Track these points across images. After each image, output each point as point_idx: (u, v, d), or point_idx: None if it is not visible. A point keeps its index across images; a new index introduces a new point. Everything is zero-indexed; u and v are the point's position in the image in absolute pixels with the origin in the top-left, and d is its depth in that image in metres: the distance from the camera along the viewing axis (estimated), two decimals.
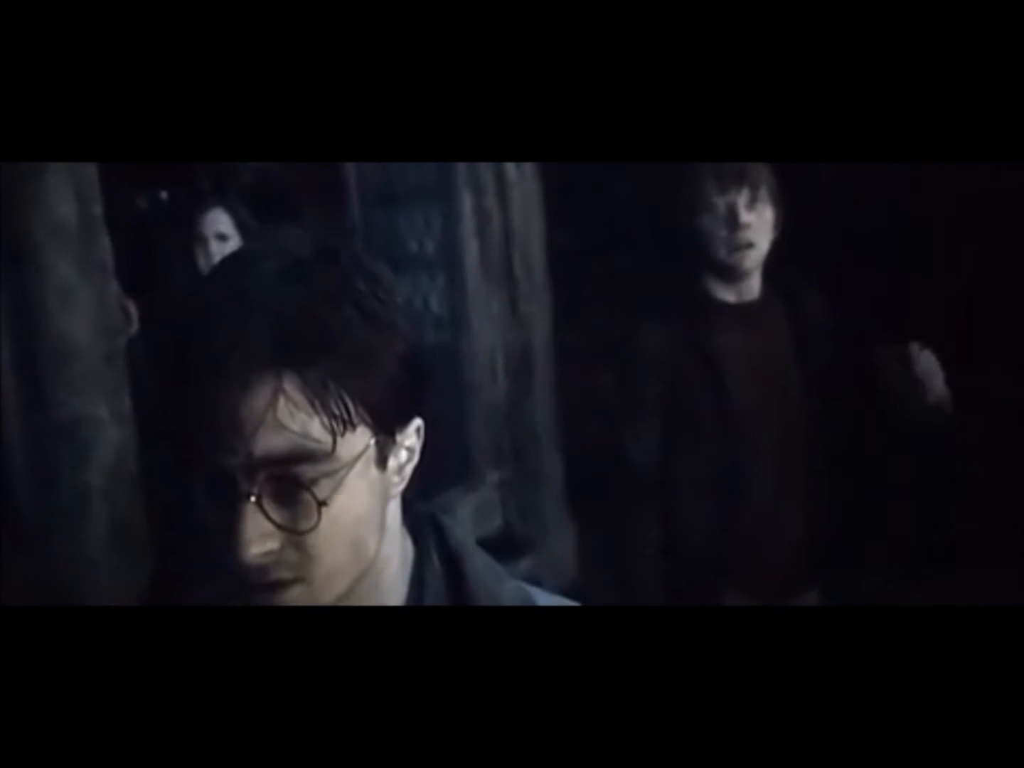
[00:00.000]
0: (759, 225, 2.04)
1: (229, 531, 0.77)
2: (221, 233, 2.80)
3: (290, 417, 0.76)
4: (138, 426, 2.60)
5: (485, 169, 3.32)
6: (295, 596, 0.80)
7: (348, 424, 0.77)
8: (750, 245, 2.04)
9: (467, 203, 3.30)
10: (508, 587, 0.91)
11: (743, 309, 2.11)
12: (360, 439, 0.79)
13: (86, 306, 2.46)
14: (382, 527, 0.85)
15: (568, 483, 3.66)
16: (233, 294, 0.77)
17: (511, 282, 3.39)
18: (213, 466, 0.77)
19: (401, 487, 0.86)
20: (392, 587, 0.88)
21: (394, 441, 0.83)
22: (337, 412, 0.77)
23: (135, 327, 2.63)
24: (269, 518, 0.77)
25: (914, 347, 1.94)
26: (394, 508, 0.87)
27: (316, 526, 0.78)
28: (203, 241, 2.79)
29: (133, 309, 2.62)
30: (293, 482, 0.77)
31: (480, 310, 3.35)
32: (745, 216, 2.02)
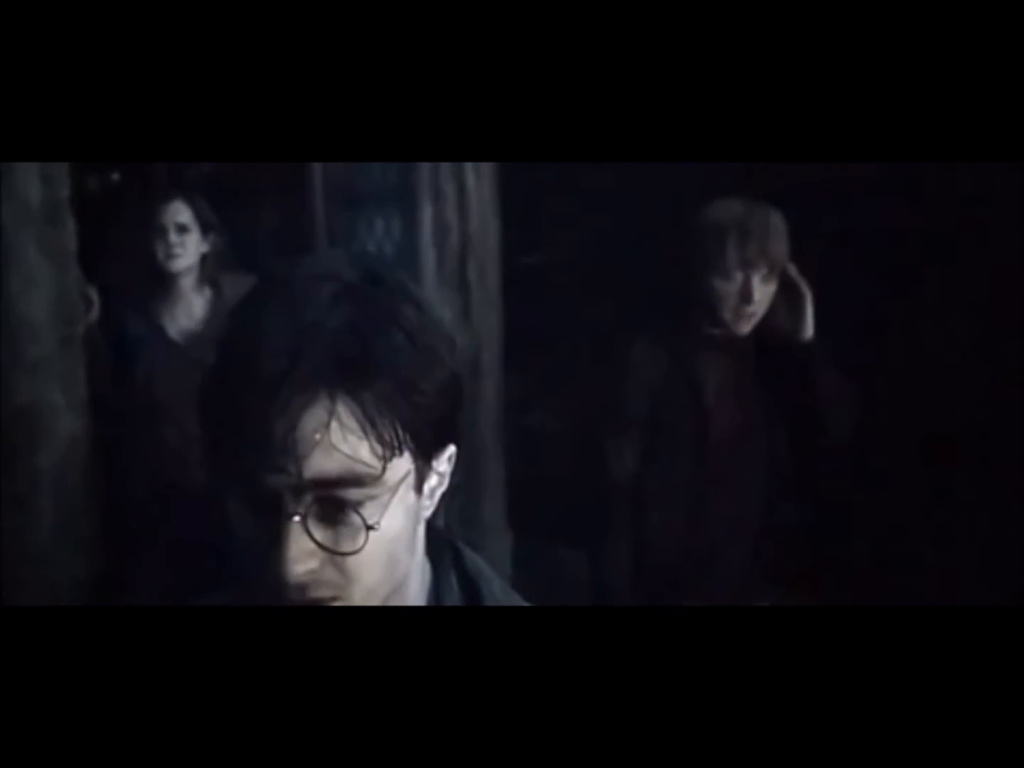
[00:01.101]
0: (764, 298, 2.13)
1: (272, 549, 0.78)
2: (181, 224, 2.78)
3: (342, 440, 0.76)
4: (92, 415, 2.59)
5: (446, 180, 3.35)
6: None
7: (397, 449, 0.79)
8: (754, 315, 2.13)
9: (427, 212, 3.33)
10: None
11: (727, 340, 2.19)
12: (404, 464, 0.80)
13: (47, 290, 2.44)
14: (413, 549, 0.87)
15: (509, 491, 3.71)
16: (289, 316, 0.78)
17: (465, 290, 3.42)
18: (262, 485, 0.77)
19: (430, 511, 0.88)
20: (413, 603, 0.90)
21: (430, 466, 0.84)
22: (388, 437, 0.78)
23: (95, 314, 2.61)
24: (313, 538, 0.78)
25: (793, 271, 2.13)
26: (420, 530, 0.89)
27: (362, 548, 0.79)
28: (162, 231, 2.77)
29: (95, 296, 2.61)
30: (338, 504, 0.78)
31: None
32: (758, 292, 2.10)
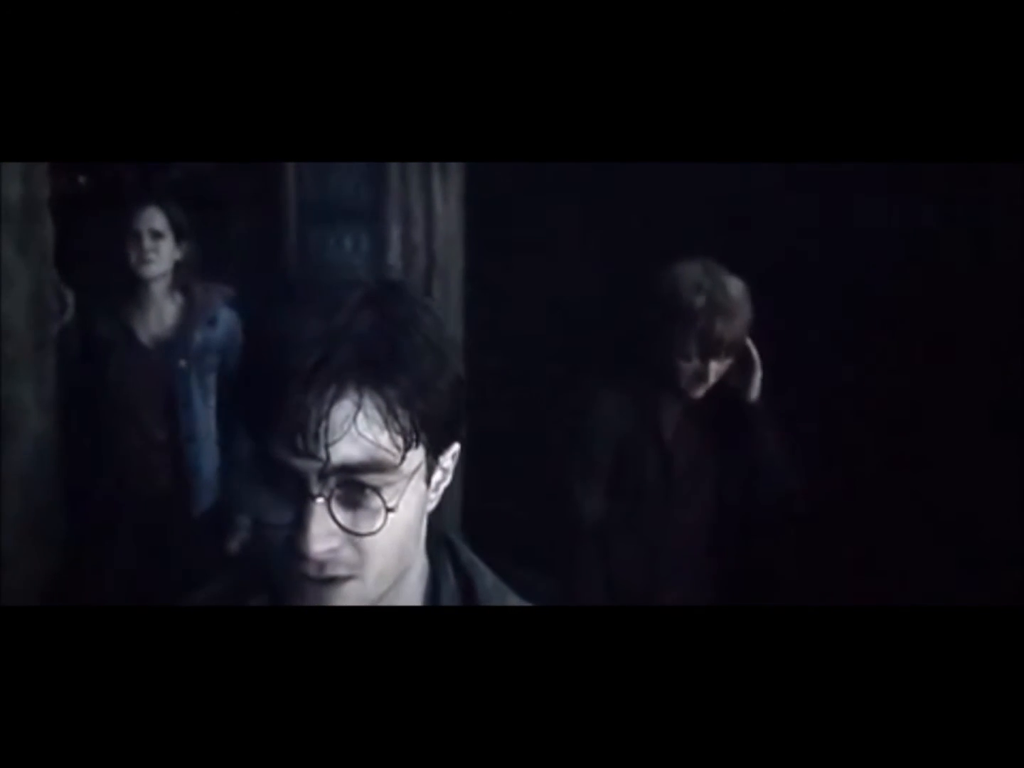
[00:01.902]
0: (719, 374, 2.24)
1: (296, 528, 0.84)
2: (155, 231, 2.78)
3: (367, 430, 0.83)
4: (61, 415, 2.59)
5: (415, 201, 3.42)
6: (347, 592, 0.87)
7: (414, 442, 0.85)
8: (707, 385, 2.25)
9: (395, 232, 3.39)
10: (511, 602, 1.00)
11: (690, 399, 2.30)
12: (417, 456, 0.87)
13: (24, 289, 2.45)
14: (419, 539, 0.94)
15: (464, 513, 3.74)
16: (321, 316, 0.85)
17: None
18: (291, 468, 0.83)
19: (435, 504, 0.94)
20: (412, 594, 0.96)
21: (437, 461, 0.91)
22: (407, 429, 0.85)
23: (70, 315, 2.62)
24: (335, 519, 0.84)
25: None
26: (424, 522, 0.95)
27: (381, 529, 0.85)
28: (136, 237, 2.77)
29: (70, 297, 2.62)
30: (359, 488, 0.85)
31: None
32: (713, 374, 2.22)
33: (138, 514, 2.72)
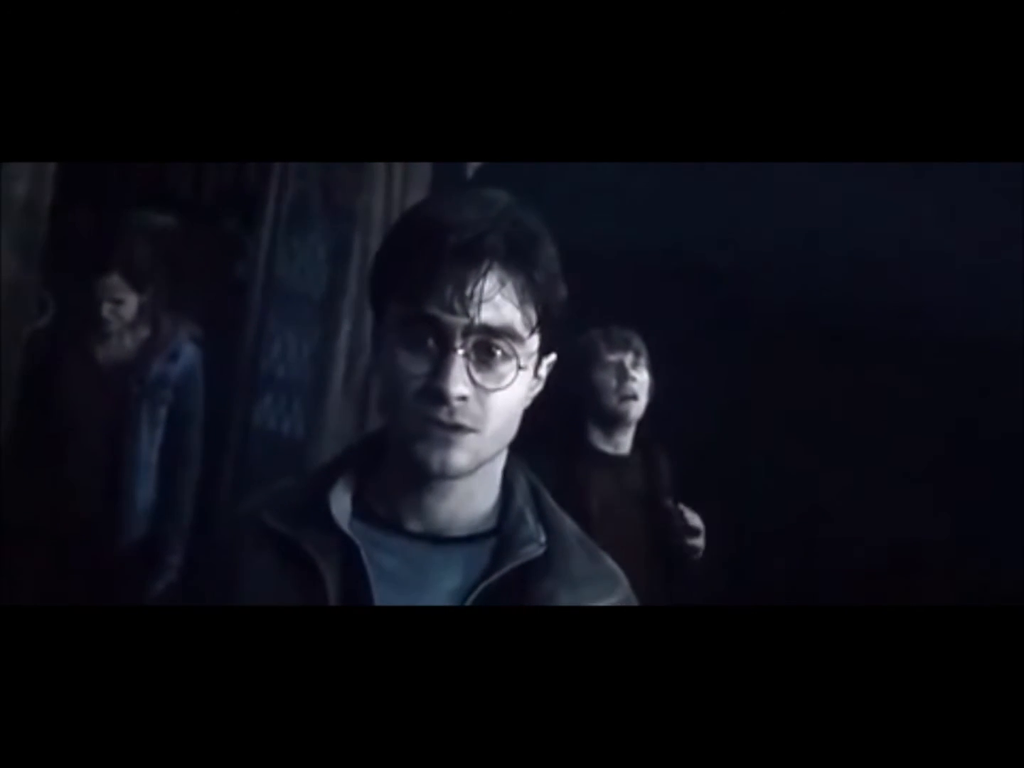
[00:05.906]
0: (641, 382, 2.50)
1: (436, 375, 0.98)
2: (116, 299, 2.79)
3: (508, 300, 1.00)
4: (13, 417, 2.59)
5: (368, 303, 3.61)
6: (467, 442, 1.00)
7: (537, 325, 1.02)
8: (635, 396, 2.48)
9: (345, 327, 3.56)
10: (568, 522, 1.12)
11: (615, 460, 2.49)
12: (534, 343, 1.04)
13: (8, 287, 2.50)
14: (518, 423, 1.06)
15: None
16: (481, 212, 1.01)
17: (363, 409, 3.60)
18: (440, 324, 0.99)
19: (527, 403, 1.07)
20: (495, 479, 1.09)
21: (540, 364, 1.07)
22: (536, 312, 1.02)
23: (46, 320, 2.66)
24: (469, 372, 0.99)
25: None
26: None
27: (507, 386, 1.00)
28: (97, 304, 2.77)
29: (51, 302, 2.66)
30: (491, 350, 1.00)
31: (331, 432, 3.52)
32: (631, 371, 2.47)
33: (64, 530, 2.68)
